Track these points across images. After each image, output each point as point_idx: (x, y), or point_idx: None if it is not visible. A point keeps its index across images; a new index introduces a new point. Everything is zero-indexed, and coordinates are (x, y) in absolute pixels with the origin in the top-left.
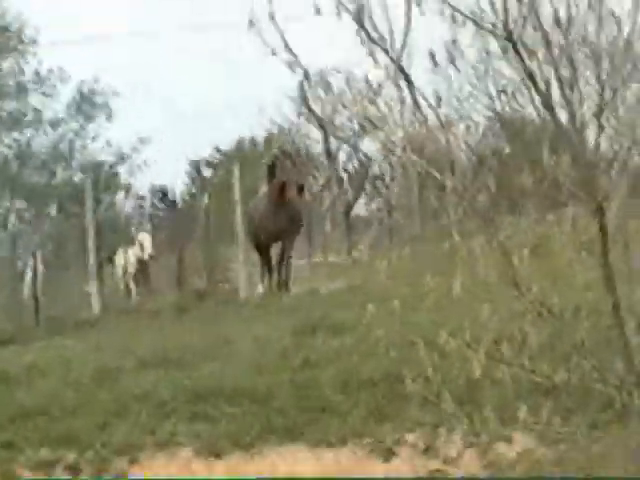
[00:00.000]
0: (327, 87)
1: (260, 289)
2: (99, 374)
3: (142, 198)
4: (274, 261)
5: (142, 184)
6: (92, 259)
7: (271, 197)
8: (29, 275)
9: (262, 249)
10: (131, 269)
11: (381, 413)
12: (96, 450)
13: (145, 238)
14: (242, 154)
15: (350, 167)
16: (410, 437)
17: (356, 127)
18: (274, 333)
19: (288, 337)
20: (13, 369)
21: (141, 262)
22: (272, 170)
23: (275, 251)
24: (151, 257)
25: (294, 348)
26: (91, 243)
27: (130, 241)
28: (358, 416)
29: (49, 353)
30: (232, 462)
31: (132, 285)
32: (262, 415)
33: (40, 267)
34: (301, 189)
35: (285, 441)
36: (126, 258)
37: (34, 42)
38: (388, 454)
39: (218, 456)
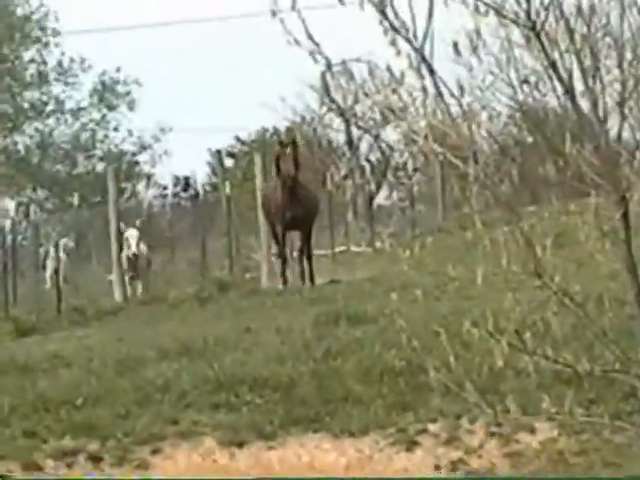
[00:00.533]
0: (349, 77)
1: (280, 285)
2: (121, 364)
3: (164, 187)
4: (296, 252)
5: (163, 174)
6: (114, 248)
7: (281, 189)
8: (51, 265)
9: (278, 239)
10: (124, 265)
11: (403, 403)
12: (118, 439)
13: (132, 235)
14: (264, 144)
15: (372, 157)
16: (432, 427)
17: (378, 117)
18: (296, 323)
19: (310, 327)
20: (35, 359)
21: (129, 259)
22: (278, 163)
23: (297, 243)
24: (135, 255)
25: (316, 338)
26: (113, 232)
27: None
28: (380, 406)
29: (71, 343)
30: (254, 451)
31: (126, 279)
32: (284, 405)
33: (62, 257)
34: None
35: (307, 431)
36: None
37: (56, 32)
38: (410, 444)
39: (240, 445)
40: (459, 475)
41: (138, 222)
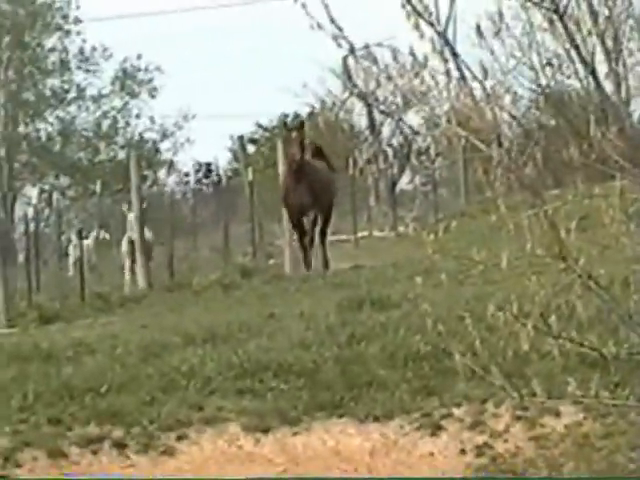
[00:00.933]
0: (372, 61)
1: (304, 269)
2: (145, 350)
3: (187, 174)
4: (316, 238)
5: (185, 160)
6: (137, 235)
7: (288, 173)
8: (74, 252)
9: (294, 224)
10: (124, 248)
11: (428, 387)
12: (143, 426)
13: (134, 219)
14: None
15: (394, 141)
16: (457, 411)
17: (400, 101)
18: (320, 308)
19: (334, 312)
20: (59, 346)
21: (132, 242)
22: (286, 148)
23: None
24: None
25: (340, 323)
26: (136, 219)
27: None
28: (405, 391)
29: (95, 330)
30: (279, 437)
31: (127, 264)
32: (309, 390)
33: (85, 244)
34: (319, 152)
35: (332, 416)
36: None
37: (77, 20)
38: (435, 428)
39: (265, 431)
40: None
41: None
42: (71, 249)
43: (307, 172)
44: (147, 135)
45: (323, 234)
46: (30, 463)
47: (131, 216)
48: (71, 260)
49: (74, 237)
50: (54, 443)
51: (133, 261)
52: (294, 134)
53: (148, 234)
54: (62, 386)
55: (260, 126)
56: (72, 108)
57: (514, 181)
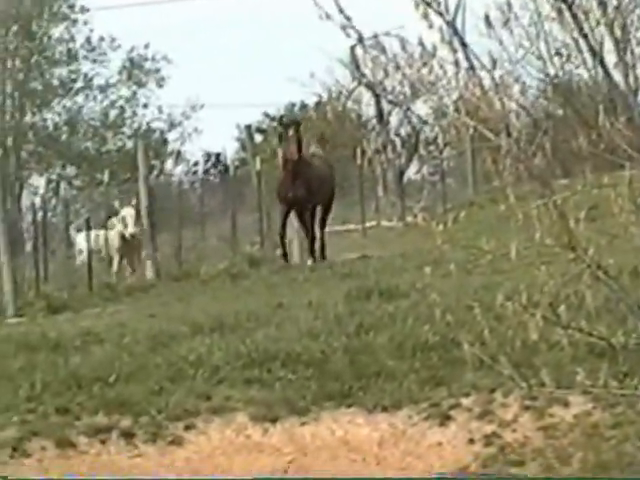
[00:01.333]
0: (381, 51)
1: (309, 261)
2: (153, 340)
3: (195, 164)
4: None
5: (192, 150)
6: (145, 225)
7: (283, 171)
8: (81, 242)
9: (283, 218)
10: (115, 243)
11: (436, 377)
12: (151, 416)
13: (129, 214)
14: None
15: (402, 131)
16: (466, 401)
17: (408, 91)
18: (328, 298)
19: (342, 302)
20: (67, 336)
21: (124, 239)
22: (280, 141)
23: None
24: (133, 236)
25: (348, 313)
26: (144, 209)
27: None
28: (413, 381)
29: (103, 319)
30: (287, 427)
31: (115, 259)
32: (317, 380)
33: (92, 234)
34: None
35: (340, 406)
36: (110, 232)
37: (84, 9)
38: (444, 418)
39: (273, 421)
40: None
41: (134, 201)
42: (80, 238)
43: (303, 170)
44: (154, 125)
45: (322, 225)
46: (38, 453)
47: (125, 211)
48: (78, 250)
49: (84, 226)
50: (62, 433)
51: (122, 257)
52: (290, 131)
53: (137, 228)
54: (70, 376)
55: (267, 116)
56: (79, 98)
57: (523, 171)
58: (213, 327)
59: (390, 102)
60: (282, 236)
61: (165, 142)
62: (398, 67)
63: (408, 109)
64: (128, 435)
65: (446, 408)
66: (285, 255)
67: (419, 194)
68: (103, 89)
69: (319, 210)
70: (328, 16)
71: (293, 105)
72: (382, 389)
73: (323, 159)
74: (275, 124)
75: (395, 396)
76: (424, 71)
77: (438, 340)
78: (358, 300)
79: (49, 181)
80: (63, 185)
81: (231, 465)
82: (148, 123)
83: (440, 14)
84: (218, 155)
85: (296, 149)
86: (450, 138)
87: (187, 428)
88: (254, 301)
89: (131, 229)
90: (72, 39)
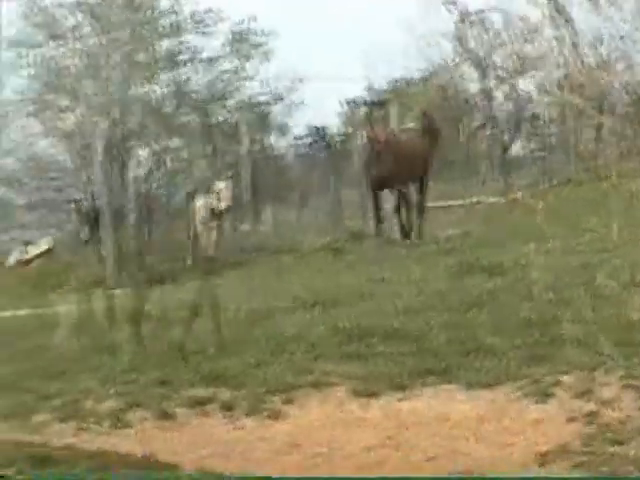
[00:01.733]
0: (485, 26)
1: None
2: (253, 313)
3: (297, 138)
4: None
5: (296, 124)
6: (248, 198)
7: (370, 151)
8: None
9: (370, 196)
10: (202, 218)
11: (537, 355)
12: (250, 389)
13: (223, 187)
14: (398, 94)
15: (507, 107)
16: (566, 379)
17: (513, 67)
18: (430, 274)
19: (444, 278)
20: (169, 308)
21: (214, 213)
22: (368, 124)
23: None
24: (227, 209)
25: (450, 289)
26: (247, 182)
27: (207, 189)
28: (513, 357)
29: (203, 292)
30: (385, 403)
31: (203, 232)
32: (416, 356)
33: (197, 205)
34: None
35: (440, 382)
36: (197, 204)
37: None
38: (544, 396)
39: (372, 396)
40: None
41: (230, 173)
42: (199, 203)
43: (389, 150)
44: (260, 98)
45: (420, 202)
46: (139, 424)
47: (220, 185)
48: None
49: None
50: (162, 404)
51: (207, 230)
52: (377, 112)
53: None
54: (171, 348)
55: (371, 90)
56: (185, 70)
57: (626, 148)
58: (313, 302)
59: (494, 78)
60: (377, 215)
61: (268, 115)
62: (502, 43)
63: (512, 85)
64: (227, 408)
65: (546, 385)
66: (380, 232)
67: (523, 170)
68: (209, 62)
69: (414, 187)
70: None
71: (397, 81)
72: (481, 366)
73: (419, 133)
74: (366, 102)
75: (495, 373)
76: (528, 47)
77: (538, 317)
78: (459, 276)
79: (153, 153)
80: (167, 157)
81: (330, 440)
82: (252, 97)
83: None
84: (321, 129)
85: (382, 129)
86: (554, 115)
87: (286, 402)
88: (355, 276)
89: (225, 203)
90: (178, 12)
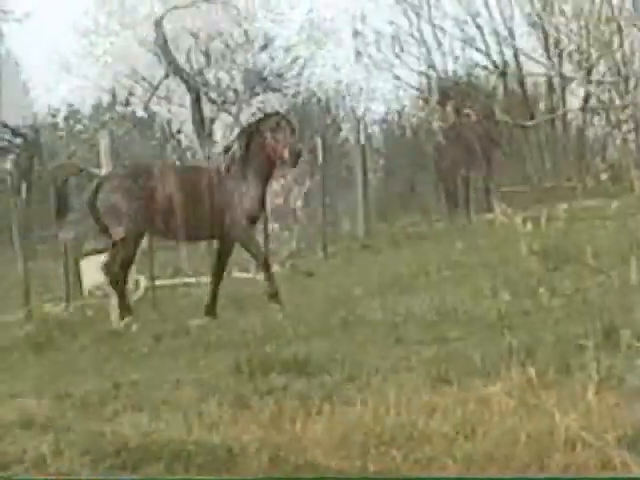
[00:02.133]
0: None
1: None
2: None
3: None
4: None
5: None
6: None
7: (441, 137)
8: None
9: (446, 185)
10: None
11: None
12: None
13: None
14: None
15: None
16: None
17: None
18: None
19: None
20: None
21: None
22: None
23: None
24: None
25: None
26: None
27: None
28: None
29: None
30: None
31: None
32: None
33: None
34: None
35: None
36: None
37: None
38: None
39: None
40: None
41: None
42: None
43: (459, 137)
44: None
45: (486, 188)
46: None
47: None
48: None
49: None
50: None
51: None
52: (449, 100)
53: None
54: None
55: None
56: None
57: None
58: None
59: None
60: (454, 200)
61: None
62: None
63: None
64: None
65: None
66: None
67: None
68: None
69: (477, 175)
70: None
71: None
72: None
73: (482, 128)
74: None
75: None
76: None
77: None
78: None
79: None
80: None
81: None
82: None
83: None
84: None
85: (453, 115)
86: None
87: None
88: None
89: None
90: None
